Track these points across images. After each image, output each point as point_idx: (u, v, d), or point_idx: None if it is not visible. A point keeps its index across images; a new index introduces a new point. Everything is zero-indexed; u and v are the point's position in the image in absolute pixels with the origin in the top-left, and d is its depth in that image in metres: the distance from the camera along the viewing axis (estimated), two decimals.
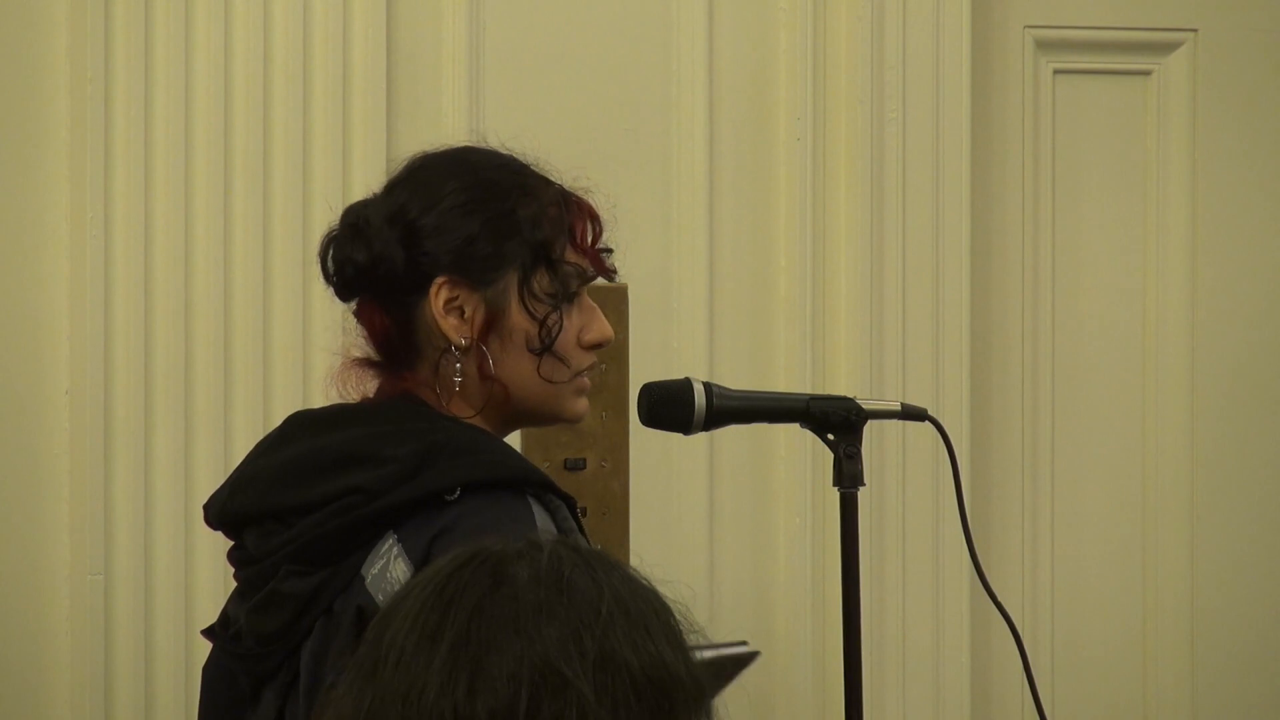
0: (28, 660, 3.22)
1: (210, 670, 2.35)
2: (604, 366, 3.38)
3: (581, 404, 2.32)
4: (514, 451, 2.27)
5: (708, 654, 2.58)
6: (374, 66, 3.30)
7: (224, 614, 2.31)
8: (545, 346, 2.25)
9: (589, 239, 2.29)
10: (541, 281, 2.25)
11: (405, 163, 2.33)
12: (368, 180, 3.19)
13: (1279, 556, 3.80)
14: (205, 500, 2.34)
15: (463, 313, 2.24)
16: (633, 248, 3.42)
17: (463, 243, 2.24)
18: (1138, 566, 3.78)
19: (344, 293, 2.30)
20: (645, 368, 3.32)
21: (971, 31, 3.56)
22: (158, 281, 3.22)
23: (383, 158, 3.28)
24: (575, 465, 3.35)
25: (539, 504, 2.19)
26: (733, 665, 2.62)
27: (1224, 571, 3.78)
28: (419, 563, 2.13)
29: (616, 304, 3.37)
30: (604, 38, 3.44)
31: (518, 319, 2.25)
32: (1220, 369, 3.77)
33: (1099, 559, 3.76)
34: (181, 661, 3.17)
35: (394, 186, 2.30)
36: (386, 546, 2.15)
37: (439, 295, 2.23)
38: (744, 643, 2.68)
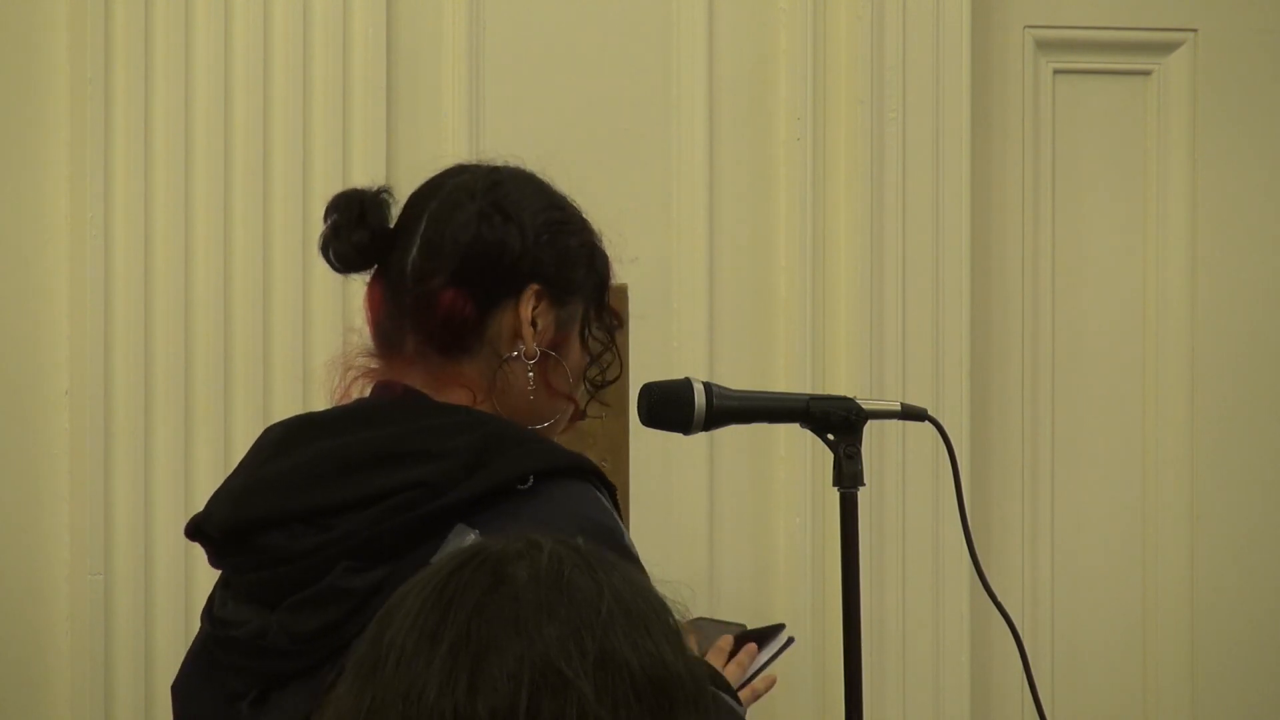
0: (28, 660, 3.22)
1: (185, 685, 2.32)
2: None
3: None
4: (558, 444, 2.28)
5: (764, 657, 2.63)
6: (374, 66, 3.30)
7: (213, 618, 2.29)
8: (603, 385, 2.30)
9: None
10: (593, 318, 2.30)
11: (479, 173, 2.31)
12: (367, 181, 3.19)
13: (1279, 556, 3.80)
14: (194, 515, 2.30)
15: (536, 325, 2.25)
16: (633, 248, 3.42)
17: (558, 258, 2.27)
18: (1138, 566, 3.78)
19: (465, 273, 2.26)
20: (645, 368, 3.32)
21: (971, 31, 3.56)
22: (158, 281, 3.22)
23: (383, 158, 3.28)
24: None
25: (597, 491, 2.21)
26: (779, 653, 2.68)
27: (1224, 571, 3.78)
28: None
29: (616, 304, 3.37)
30: (604, 38, 3.44)
31: (574, 346, 2.29)
32: (1220, 368, 3.77)
33: (1099, 559, 3.76)
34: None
35: (494, 190, 2.29)
36: (470, 540, 2.13)
37: (528, 301, 2.25)
38: (781, 625, 2.71)
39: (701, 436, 2.64)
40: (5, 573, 3.22)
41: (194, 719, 2.31)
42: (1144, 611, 3.78)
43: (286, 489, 2.21)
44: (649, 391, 2.53)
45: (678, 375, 2.58)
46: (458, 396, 2.26)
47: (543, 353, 2.26)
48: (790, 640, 2.77)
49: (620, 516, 2.25)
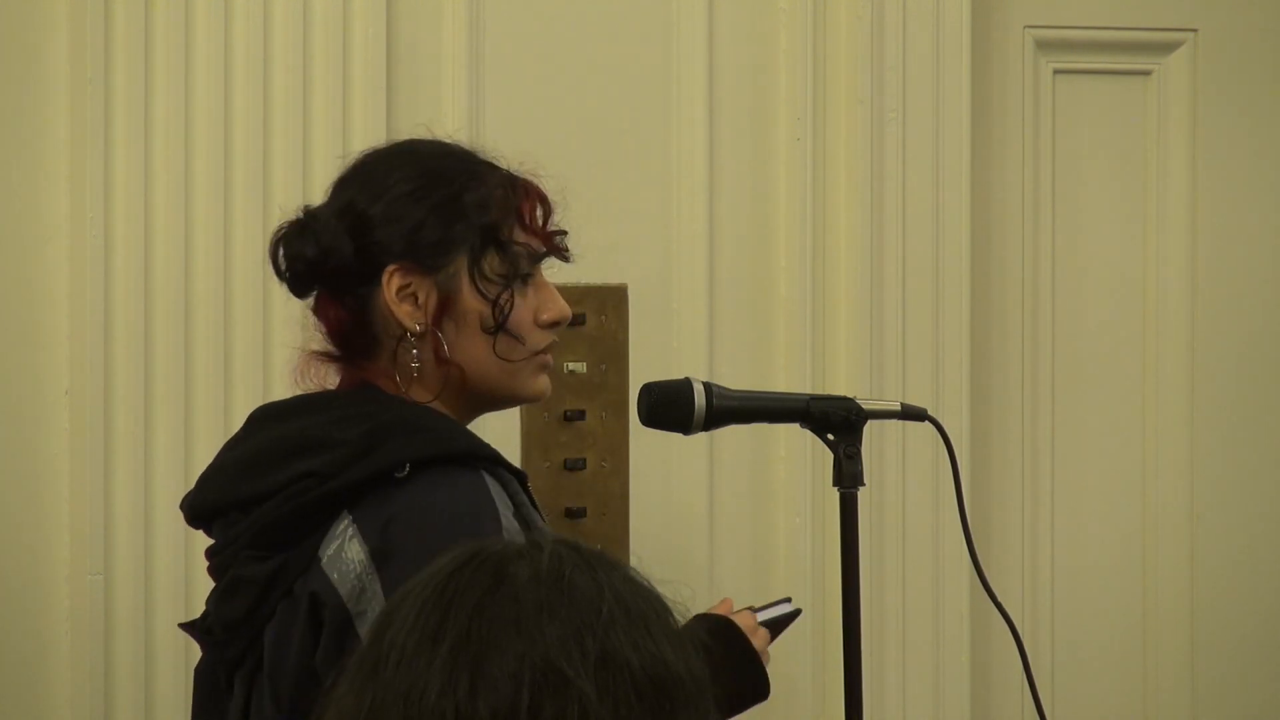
0: (28, 660, 3.22)
1: (200, 670, 2.37)
2: (604, 366, 3.38)
3: (542, 382, 2.35)
4: (463, 428, 2.29)
5: (762, 616, 2.58)
6: (374, 66, 3.30)
7: (205, 610, 2.34)
8: (498, 325, 2.28)
9: (538, 220, 2.32)
10: (492, 263, 2.28)
11: (352, 160, 2.36)
12: None
13: (1279, 556, 3.80)
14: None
15: (416, 299, 2.27)
16: (633, 248, 3.42)
17: (411, 229, 2.28)
18: (1138, 566, 3.78)
19: (297, 288, 2.35)
20: (645, 368, 3.32)
21: (971, 31, 3.56)
22: (158, 281, 3.22)
23: None
24: (575, 465, 3.35)
25: (491, 478, 2.21)
26: (783, 623, 2.63)
27: (1224, 571, 3.78)
28: (374, 542, 2.15)
29: (616, 304, 3.37)
30: (604, 38, 3.44)
31: (470, 301, 2.28)
32: (1220, 368, 3.77)
33: (1099, 559, 3.76)
34: (181, 661, 3.17)
35: (341, 183, 2.35)
36: (342, 527, 2.18)
37: (391, 283, 2.27)
38: (787, 599, 2.68)
39: (701, 436, 2.64)
40: (5, 573, 3.22)
41: (200, 705, 2.36)
42: (1144, 611, 3.78)
43: (231, 478, 2.28)
44: (649, 391, 2.53)
45: (678, 375, 2.58)
46: (389, 388, 2.30)
47: (427, 327, 2.26)
48: (798, 612, 2.73)
49: (534, 505, 2.26)
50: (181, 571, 3.20)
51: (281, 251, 2.34)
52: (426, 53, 3.36)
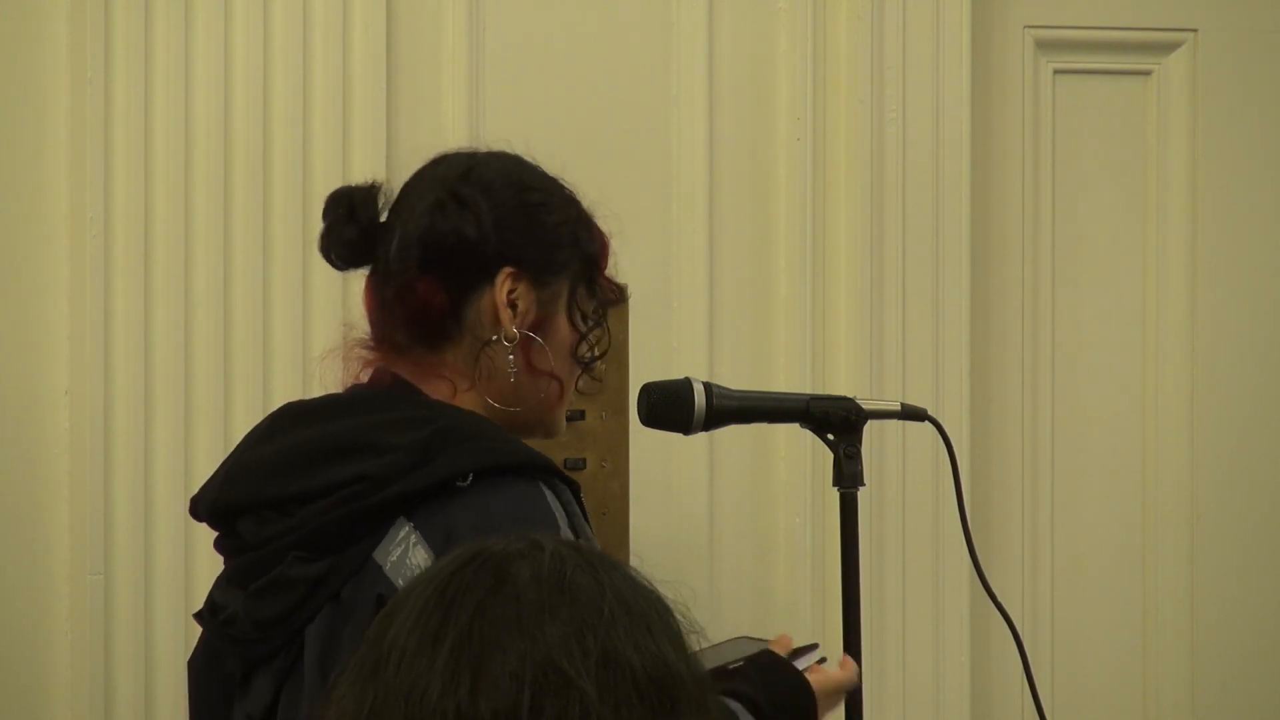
0: (28, 660, 3.22)
1: (197, 662, 2.37)
2: (604, 366, 3.38)
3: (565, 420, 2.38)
4: (516, 438, 2.28)
5: (800, 663, 2.57)
6: (374, 66, 3.30)
7: (210, 601, 2.32)
8: (592, 360, 2.30)
9: (607, 264, 2.34)
10: (583, 296, 2.29)
11: (455, 162, 2.31)
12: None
13: (1279, 556, 3.80)
14: (193, 495, 2.35)
15: (517, 307, 2.26)
16: (633, 248, 3.42)
17: (534, 239, 2.27)
18: (1138, 566, 3.78)
19: (430, 263, 2.26)
20: (645, 368, 3.32)
21: (971, 31, 3.56)
22: (158, 281, 3.22)
23: (383, 158, 3.28)
24: (575, 465, 3.35)
25: (547, 488, 2.21)
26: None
27: (1224, 571, 3.78)
28: (440, 550, 2.14)
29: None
30: (604, 38, 3.44)
31: (561, 326, 2.29)
32: (1221, 369, 3.77)
33: (1099, 559, 3.76)
34: (181, 661, 3.16)
35: (463, 178, 2.29)
36: (403, 534, 2.16)
37: (504, 284, 2.25)
38: (815, 645, 2.67)
39: (701, 436, 2.64)
40: (5, 573, 3.22)
41: (200, 697, 2.35)
42: (1144, 611, 3.78)
43: (262, 476, 2.25)
44: (649, 391, 2.53)
45: (678, 375, 2.58)
46: (438, 387, 2.27)
47: (523, 335, 2.26)
48: (822, 660, 2.75)
49: (583, 514, 2.26)
50: (181, 571, 3.20)
51: (430, 220, 2.26)
52: (426, 53, 3.36)
